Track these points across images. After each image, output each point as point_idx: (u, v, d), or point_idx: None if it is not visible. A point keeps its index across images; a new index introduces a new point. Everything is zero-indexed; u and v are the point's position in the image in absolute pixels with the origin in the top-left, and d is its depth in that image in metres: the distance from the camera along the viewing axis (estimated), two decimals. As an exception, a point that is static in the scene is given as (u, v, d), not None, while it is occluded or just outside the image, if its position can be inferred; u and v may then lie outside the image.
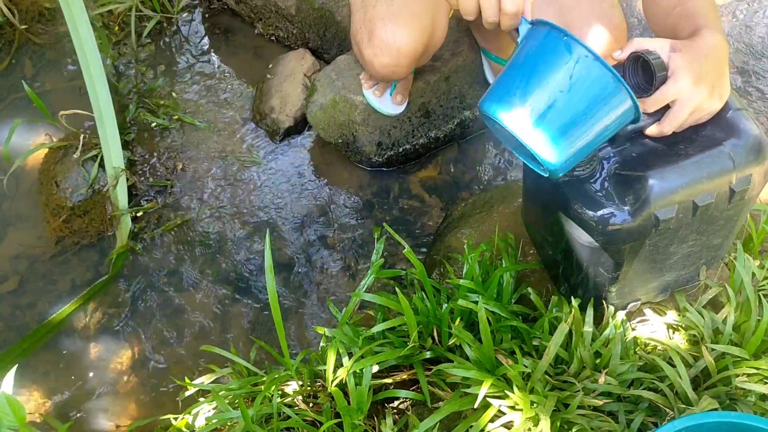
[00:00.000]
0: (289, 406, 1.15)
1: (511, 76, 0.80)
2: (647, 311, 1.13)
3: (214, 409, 1.20)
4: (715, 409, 0.96)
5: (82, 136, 1.69)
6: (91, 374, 1.47)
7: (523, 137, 0.77)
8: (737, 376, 1.01)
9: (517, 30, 0.85)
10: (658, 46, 0.87)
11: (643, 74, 0.88)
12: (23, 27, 1.97)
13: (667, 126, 0.87)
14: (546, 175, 0.84)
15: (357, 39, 1.29)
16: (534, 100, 0.77)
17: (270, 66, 1.83)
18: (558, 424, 0.99)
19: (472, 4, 0.85)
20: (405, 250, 1.18)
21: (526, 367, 1.02)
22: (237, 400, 1.14)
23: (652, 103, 0.86)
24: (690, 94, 0.84)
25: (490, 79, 1.64)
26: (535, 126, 0.77)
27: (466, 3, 0.86)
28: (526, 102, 0.77)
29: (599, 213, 0.89)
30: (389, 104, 1.55)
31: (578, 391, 1.00)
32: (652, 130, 0.89)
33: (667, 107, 0.87)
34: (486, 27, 0.87)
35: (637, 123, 0.82)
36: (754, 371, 1.00)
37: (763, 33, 1.90)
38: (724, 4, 1.96)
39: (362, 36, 1.27)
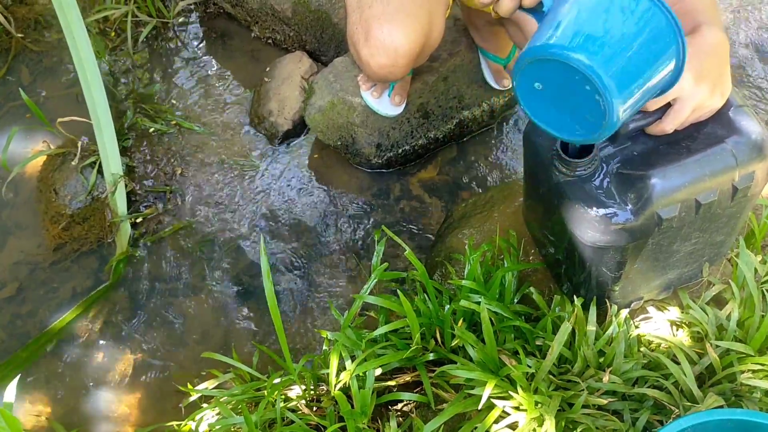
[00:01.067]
0: (293, 410, 1.14)
1: (576, 21, 0.76)
2: (650, 309, 1.13)
3: (217, 414, 1.19)
4: (721, 407, 0.95)
5: (80, 143, 1.68)
6: (93, 382, 1.46)
7: (603, 81, 0.72)
8: (742, 372, 1.00)
9: (531, 11, 0.83)
10: None
11: None
12: (19, 35, 1.97)
13: (669, 124, 0.87)
14: (584, 142, 0.82)
15: (353, 40, 1.29)
16: (602, 41, 0.73)
17: (267, 69, 1.83)
18: (563, 423, 0.98)
19: None
20: (406, 252, 1.18)
21: (530, 367, 1.02)
22: (240, 406, 1.14)
23: (654, 101, 0.86)
24: (691, 92, 0.84)
25: (488, 78, 1.64)
26: (608, 70, 0.73)
27: None
28: (596, 42, 0.73)
29: (601, 212, 0.88)
30: (387, 105, 1.55)
31: (582, 390, 1.00)
32: (653, 129, 0.89)
33: (668, 105, 0.87)
34: (505, 7, 0.83)
35: (672, 86, 0.79)
36: (759, 367, 1.00)
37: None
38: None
39: (359, 37, 1.26)
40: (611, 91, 0.73)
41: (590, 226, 0.90)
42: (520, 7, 0.82)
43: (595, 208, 0.89)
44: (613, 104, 0.74)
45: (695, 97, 0.85)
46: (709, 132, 0.88)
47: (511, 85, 1.66)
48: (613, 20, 0.74)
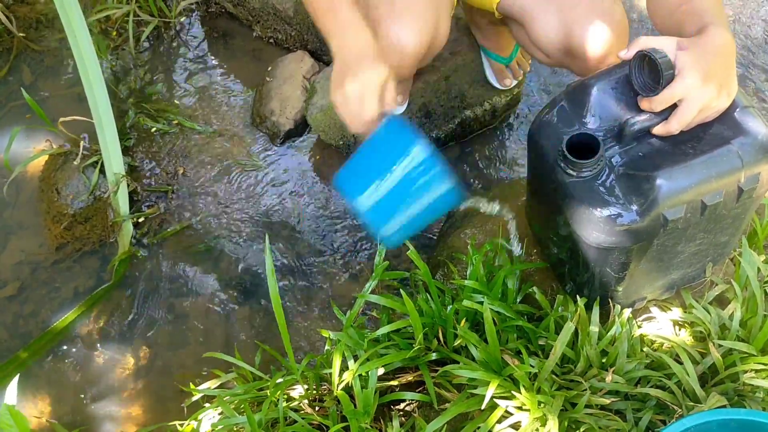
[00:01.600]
0: (295, 410, 1.14)
1: (355, 163, 0.99)
2: (653, 309, 1.13)
3: (219, 414, 1.19)
4: (724, 406, 0.95)
5: (82, 142, 1.68)
6: (95, 381, 1.46)
7: (360, 218, 0.95)
8: (745, 372, 1.00)
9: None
10: (664, 45, 0.86)
11: (650, 73, 0.88)
12: (21, 34, 1.97)
13: (675, 125, 0.87)
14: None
15: None
16: (378, 193, 0.93)
17: (269, 69, 1.82)
18: (566, 423, 0.98)
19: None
20: (408, 251, 1.18)
21: (533, 367, 1.02)
22: (242, 406, 1.14)
23: (660, 102, 0.86)
24: (698, 93, 0.84)
25: (490, 77, 1.64)
26: (367, 211, 0.94)
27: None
28: (369, 192, 0.94)
29: (606, 213, 0.88)
30: (389, 105, 1.55)
31: (585, 390, 1.00)
32: (659, 130, 0.89)
33: (674, 106, 0.86)
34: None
35: (455, 203, 0.97)
36: (762, 367, 1.00)
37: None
38: None
39: None
40: (372, 228, 0.97)
41: (595, 227, 0.90)
42: None
43: (600, 209, 0.89)
44: (371, 227, 0.96)
45: (701, 97, 0.84)
46: (715, 133, 0.88)
47: (513, 84, 1.65)
48: (374, 163, 0.96)
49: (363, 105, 0.94)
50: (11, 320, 1.55)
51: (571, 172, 0.90)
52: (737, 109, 0.88)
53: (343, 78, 0.94)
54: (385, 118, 0.95)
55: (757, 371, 1.00)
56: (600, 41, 1.09)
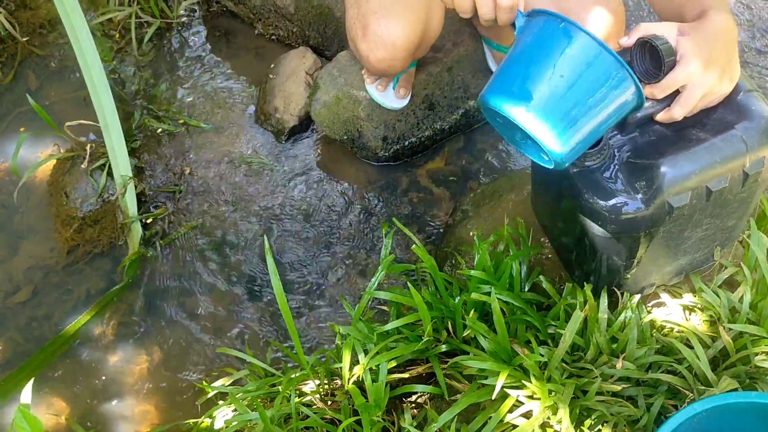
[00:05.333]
0: (307, 405, 1.15)
1: (511, 66, 0.80)
2: (662, 294, 1.13)
3: (233, 411, 1.20)
4: (735, 390, 0.95)
5: (88, 145, 1.69)
6: (109, 382, 1.48)
7: (527, 127, 0.77)
8: (756, 354, 1.00)
9: (512, 25, 0.85)
10: (665, 31, 0.85)
11: (651, 60, 0.87)
12: (25, 39, 1.98)
13: (678, 111, 0.86)
14: (551, 167, 0.83)
15: (352, 35, 1.28)
16: (536, 88, 0.76)
17: (272, 66, 1.83)
18: (577, 411, 0.98)
19: (468, 3, 0.85)
20: (413, 246, 1.18)
21: (543, 356, 1.02)
22: (255, 402, 1.15)
23: (662, 88, 0.85)
24: (700, 78, 0.83)
25: (493, 67, 1.63)
26: (537, 115, 0.76)
27: (462, 2, 0.86)
28: (528, 91, 0.76)
29: (612, 202, 0.88)
30: (393, 98, 1.55)
31: (596, 377, 1.00)
32: (662, 116, 0.88)
33: (677, 92, 0.86)
34: (483, 24, 0.87)
35: (640, 109, 0.82)
36: (774, 349, 0.99)
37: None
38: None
39: (357, 31, 1.26)
40: (543, 136, 0.76)
41: (600, 216, 0.90)
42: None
43: (605, 199, 0.89)
44: (549, 145, 0.77)
45: (704, 83, 0.84)
46: (719, 118, 0.88)
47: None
48: (545, 62, 0.77)
49: None
50: (25, 324, 1.57)
51: (575, 162, 0.89)
52: (740, 94, 0.87)
53: None
54: (521, 19, 0.84)
55: (768, 354, 1.00)
56: (597, 29, 1.09)
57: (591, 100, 0.77)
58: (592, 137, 0.81)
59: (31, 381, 1.09)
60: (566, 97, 0.76)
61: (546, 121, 0.76)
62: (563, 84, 0.76)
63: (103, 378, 1.48)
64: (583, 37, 0.75)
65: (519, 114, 0.76)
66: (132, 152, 1.73)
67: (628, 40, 0.89)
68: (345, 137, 1.65)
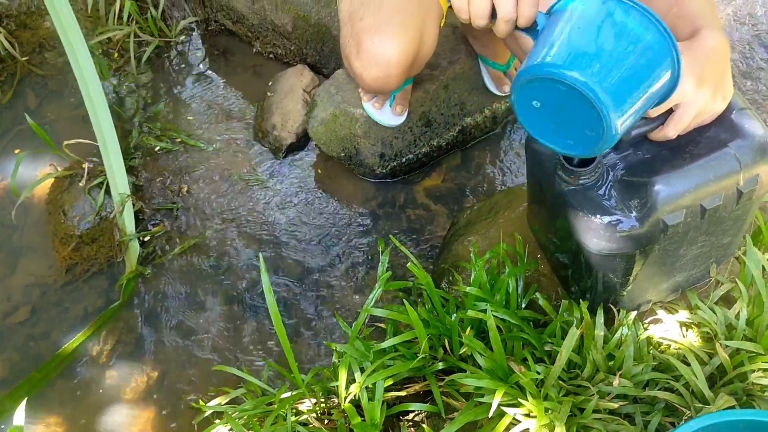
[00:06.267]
0: (304, 424, 1.15)
1: (569, 39, 0.77)
2: (659, 311, 1.12)
3: (229, 430, 1.20)
4: (732, 407, 0.95)
5: (86, 164, 1.70)
6: (106, 401, 1.47)
7: (599, 96, 0.74)
8: (753, 371, 1.00)
9: (527, 30, 0.83)
10: None
11: None
12: (24, 59, 1.99)
13: (671, 130, 0.86)
14: (584, 156, 0.82)
15: (346, 53, 1.29)
16: (601, 59, 0.74)
17: (270, 83, 1.84)
18: (574, 429, 0.98)
19: (485, 7, 0.82)
20: (408, 264, 1.18)
21: (539, 374, 1.02)
22: (251, 421, 1.14)
23: (655, 108, 0.86)
24: (693, 97, 0.83)
25: (489, 85, 1.64)
26: (602, 85, 0.74)
27: (478, 7, 0.82)
28: (594, 60, 0.74)
29: (606, 221, 0.88)
30: (389, 115, 1.56)
31: (593, 395, 0.99)
32: (656, 135, 0.88)
33: (670, 111, 0.86)
34: (501, 29, 0.83)
35: (670, 94, 0.80)
36: (770, 366, 0.99)
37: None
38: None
39: (351, 50, 1.26)
40: (607, 106, 0.74)
41: (595, 234, 0.90)
42: (516, 27, 0.83)
43: (599, 216, 0.89)
44: (611, 118, 0.75)
45: (697, 101, 0.84)
46: (712, 136, 0.88)
47: (512, 91, 1.65)
48: (605, 36, 0.75)
49: None
50: (23, 342, 1.56)
51: (569, 180, 0.90)
52: (734, 112, 0.88)
53: None
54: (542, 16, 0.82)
55: (765, 370, 1.00)
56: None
57: (644, 75, 0.76)
58: (636, 119, 0.79)
59: (24, 402, 1.09)
60: (627, 72, 0.75)
61: (609, 96, 0.74)
62: (623, 58, 0.75)
63: (100, 397, 1.48)
64: (641, 14, 0.75)
65: (590, 84, 0.74)
66: (130, 170, 1.73)
67: None
68: (342, 154, 1.66)
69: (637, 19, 0.75)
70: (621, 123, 0.76)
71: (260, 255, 1.15)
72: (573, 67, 0.74)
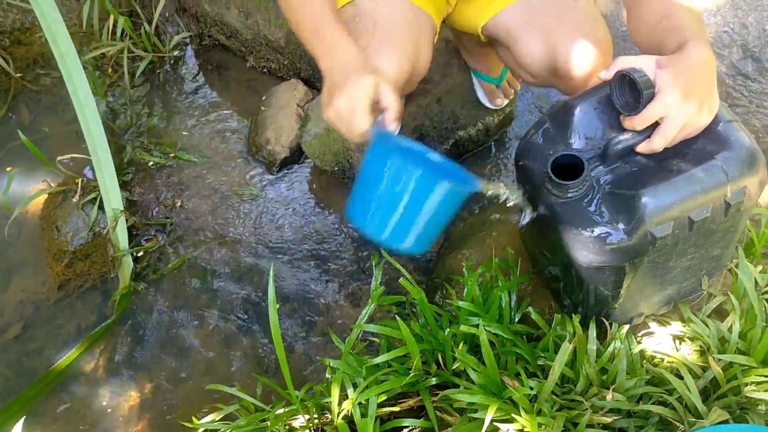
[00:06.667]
0: (297, 440, 1.14)
1: (358, 187, 0.93)
2: (651, 324, 1.12)
3: (222, 447, 1.19)
4: (726, 421, 0.94)
5: (80, 179, 1.70)
6: (99, 417, 1.46)
7: (380, 243, 0.89)
8: (746, 385, 0.99)
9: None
10: (643, 64, 0.86)
11: (631, 92, 0.88)
12: (18, 75, 2.00)
13: (658, 142, 0.87)
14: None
15: None
16: (378, 210, 0.89)
17: (263, 98, 1.84)
18: (568, 444, 0.98)
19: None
20: (400, 279, 1.18)
21: (532, 388, 1.01)
22: (244, 438, 1.14)
23: (641, 120, 0.86)
24: (679, 110, 0.84)
25: (481, 98, 1.65)
26: (386, 234, 0.89)
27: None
28: (371, 212, 0.89)
29: (595, 233, 0.88)
30: (382, 130, 1.56)
31: (586, 409, 0.99)
32: (642, 148, 0.89)
33: (656, 124, 0.87)
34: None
35: (472, 192, 0.94)
36: (763, 379, 0.99)
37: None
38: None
39: None
40: (389, 244, 0.89)
41: (585, 247, 0.90)
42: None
43: (588, 229, 0.89)
44: (397, 247, 0.90)
45: (683, 114, 0.85)
46: (699, 148, 0.88)
47: (504, 104, 1.66)
48: (382, 185, 0.88)
49: (354, 118, 0.93)
50: (16, 358, 1.56)
51: (557, 193, 0.90)
52: (720, 124, 0.88)
53: (332, 95, 0.95)
54: (374, 133, 0.93)
55: (758, 384, 0.99)
56: (585, 60, 1.10)
57: (426, 211, 0.88)
58: (437, 230, 0.93)
59: (22, 420, 1.08)
60: (401, 211, 0.87)
61: (394, 235, 0.89)
62: (392, 202, 0.87)
63: (93, 414, 1.47)
64: (399, 164, 0.86)
65: (369, 233, 0.90)
66: (123, 185, 1.73)
67: (607, 74, 0.90)
68: (336, 168, 1.66)
69: (399, 163, 0.86)
70: (416, 245, 0.90)
71: (272, 269, 1.17)
72: (358, 219, 0.91)
